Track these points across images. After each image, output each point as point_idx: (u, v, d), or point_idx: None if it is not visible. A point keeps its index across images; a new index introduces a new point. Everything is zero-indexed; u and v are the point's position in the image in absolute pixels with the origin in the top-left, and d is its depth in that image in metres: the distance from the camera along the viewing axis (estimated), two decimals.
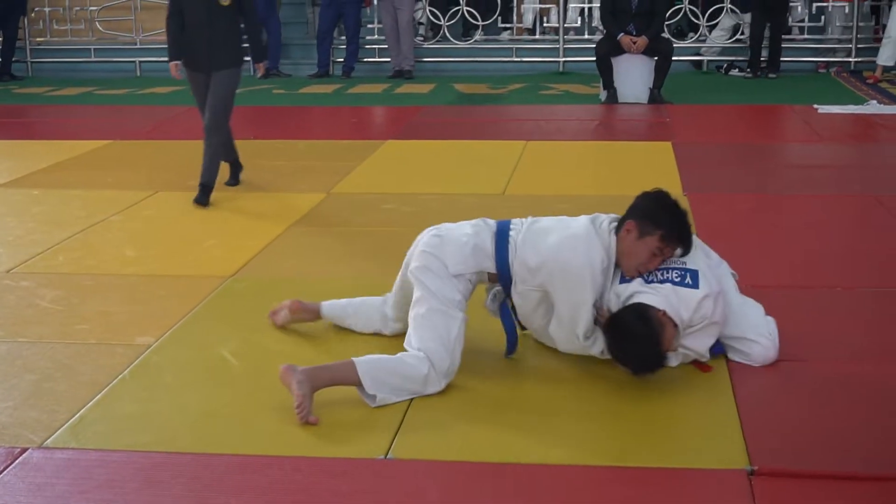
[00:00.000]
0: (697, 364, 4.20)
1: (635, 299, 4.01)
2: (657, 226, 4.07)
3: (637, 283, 4.07)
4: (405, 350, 4.03)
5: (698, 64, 13.75)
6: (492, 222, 4.26)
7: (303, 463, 3.53)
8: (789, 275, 5.43)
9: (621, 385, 4.07)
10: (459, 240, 4.14)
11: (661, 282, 4.04)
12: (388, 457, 3.55)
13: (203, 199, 6.97)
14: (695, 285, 4.01)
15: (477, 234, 4.17)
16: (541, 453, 3.56)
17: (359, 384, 3.90)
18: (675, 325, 3.97)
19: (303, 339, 4.62)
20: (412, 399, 3.93)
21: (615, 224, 4.15)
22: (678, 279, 4.03)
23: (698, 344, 4.12)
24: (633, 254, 4.09)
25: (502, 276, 4.14)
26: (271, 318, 4.73)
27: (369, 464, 3.52)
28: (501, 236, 4.15)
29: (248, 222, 6.57)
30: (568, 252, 4.04)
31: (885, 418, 3.78)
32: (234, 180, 7.56)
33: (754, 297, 4.48)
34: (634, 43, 10.99)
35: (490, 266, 4.14)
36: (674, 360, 4.12)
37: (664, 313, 3.94)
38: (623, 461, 3.52)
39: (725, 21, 13.63)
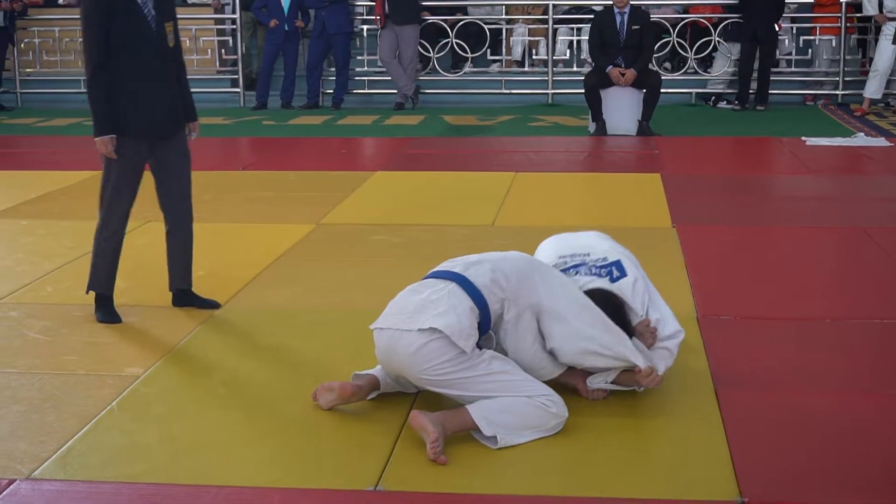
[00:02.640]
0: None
1: (589, 287, 4.19)
2: None
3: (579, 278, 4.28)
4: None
5: (707, 97, 13.76)
6: (437, 282, 4.04)
7: (293, 494, 3.51)
8: (778, 306, 5.44)
9: (608, 414, 4.06)
10: (450, 319, 3.85)
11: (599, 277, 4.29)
12: (377, 488, 3.54)
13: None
14: (623, 274, 4.26)
15: (454, 296, 3.93)
16: (531, 484, 3.55)
17: (476, 428, 3.82)
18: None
19: (293, 371, 4.60)
20: (401, 430, 3.90)
21: None
22: (606, 275, 4.26)
23: (669, 327, 4.22)
24: None
25: (485, 317, 3.95)
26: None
27: (360, 495, 3.50)
28: (465, 283, 3.96)
29: (238, 253, 6.56)
30: (531, 258, 4.23)
31: (875, 450, 3.78)
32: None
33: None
34: (623, 75, 11.07)
35: (477, 316, 3.93)
36: (661, 366, 4.14)
37: (615, 295, 4.18)
38: (611, 492, 3.50)
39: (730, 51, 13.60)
